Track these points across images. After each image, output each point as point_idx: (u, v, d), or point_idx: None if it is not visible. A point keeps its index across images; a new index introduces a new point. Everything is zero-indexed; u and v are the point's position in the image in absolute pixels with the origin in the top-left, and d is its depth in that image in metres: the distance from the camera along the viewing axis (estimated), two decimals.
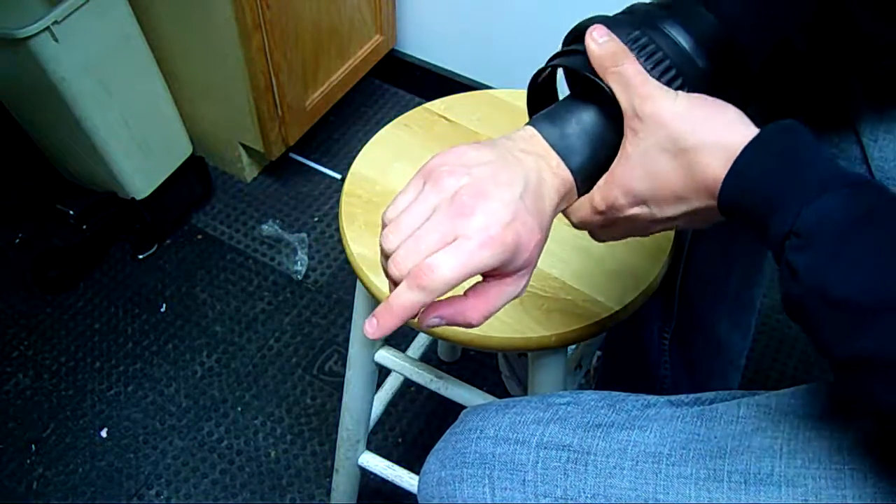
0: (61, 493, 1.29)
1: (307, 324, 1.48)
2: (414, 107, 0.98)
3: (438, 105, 0.98)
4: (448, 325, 0.53)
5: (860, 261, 0.44)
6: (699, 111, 0.52)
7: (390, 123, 0.96)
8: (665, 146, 0.52)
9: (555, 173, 0.55)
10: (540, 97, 0.61)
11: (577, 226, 0.60)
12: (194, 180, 1.63)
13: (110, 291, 1.53)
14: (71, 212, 1.48)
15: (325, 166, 1.73)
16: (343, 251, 1.54)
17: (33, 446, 1.34)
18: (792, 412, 0.56)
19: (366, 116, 1.82)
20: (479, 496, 0.60)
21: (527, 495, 0.58)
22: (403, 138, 0.94)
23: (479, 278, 0.53)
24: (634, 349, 1.04)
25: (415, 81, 1.83)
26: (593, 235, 0.61)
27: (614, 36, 0.55)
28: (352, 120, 1.81)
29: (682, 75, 0.55)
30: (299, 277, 1.54)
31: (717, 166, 0.50)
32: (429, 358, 1.42)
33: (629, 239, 0.83)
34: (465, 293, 0.53)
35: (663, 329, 1.00)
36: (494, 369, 1.41)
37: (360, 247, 0.84)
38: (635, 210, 0.55)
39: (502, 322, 0.78)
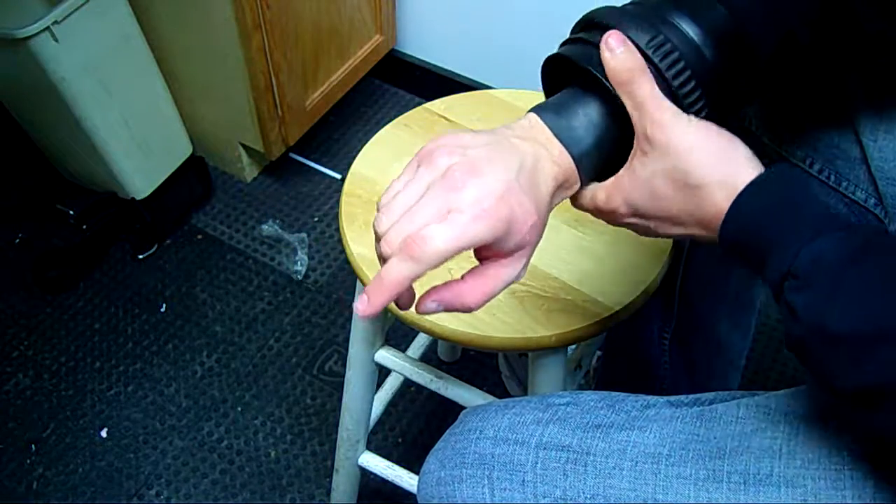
0: (61, 493, 1.29)
1: (307, 324, 1.48)
2: (414, 107, 0.98)
3: (438, 105, 0.98)
4: (446, 310, 0.52)
5: (855, 297, 0.45)
6: (709, 147, 0.52)
7: (390, 123, 0.96)
8: (671, 175, 0.53)
9: (554, 161, 0.54)
10: (556, 76, 0.60)
11: (578, 208, 0.60)
12: (194, 180, 1.63)
13: (110, 291, 1.53)
14: (71, 212, 1.48)
15: (325, 166, 1.73)
16: (343, 251, 1.54)
17: (33, 446, 1.34)
18: (791, 413, 0.56)
19: (366, 116, 1.82)
20: (479, 496, 0.60)
21: (526, 496, 0.58)
22: (403, 138, 0.94)
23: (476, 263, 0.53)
24: (634, 349, 1.04)
25: (415, 81, 1.83)
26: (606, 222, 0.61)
27: (630, 46, 0.53)
28: (352, 120, 1.81)
29: (692, 69, 0.54)
30: (299, 277, 1.54)
31: (718, 205, 0.51)
32: (429, 358, 1.42)
33: (629, 239, 0.83)
34: (464, 276, 0.53)
35: (663, 329, 1.00)
36: (494, 369, 1.41)
37: (360, 247, 0.84)
38: (634, 220, 0.57)
39: (502, 322, 0.78)
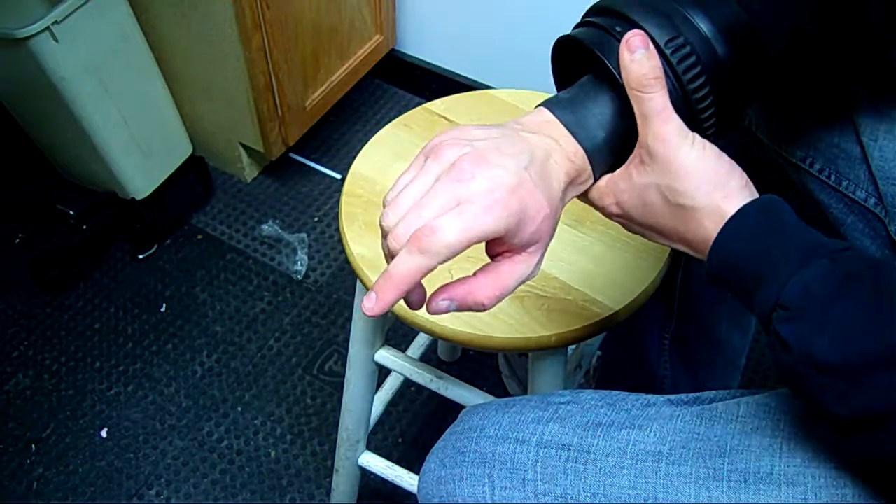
0: (61, 493, 1.29)
1: (307, 324, 1.48)
2: (414, 107, 0.98)
3: (438, 105, 0.98)
4: (458, 309, 0.50)
5: (843, 325, 0.45)
6: (706, 172, 0.52)
7: (390, 123, 0.96)
8: (665, 192, 0.52)
9: (565, 155, 0.53)
10: (566, 57, 0.59)
11: (582, 200, 0.59)
12: (194, 180, 1.63)
13: (110, 291, 1.53)
14: (71, 212, 1.48)
15: (325, 166, 1.73)
16: (343, 251, 1.54)
17: (33, 446, 1.34)
18: (792, 411, 0.56)
19: (366, 116, 1.82)
20: (479, 495, 0.60)
21: (527, 494, 0.58)
22: (403, 138, 0.94)
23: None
24: (634, 349, 1.04)
25: (415, 81, 1.83)
26: None
27: (651, 50, 0.52)
28: (352, 120, 1.81)
29: (704, 64, 0.53)
30: (299, 277, 1.54)
31: (705, 231, 0.51)
32: (429, 358, 1.42)
33: (629, 239, 0.83)
34: (475, 273, 0.51)
35: (663, 329, 1.00)
36: (494, 369, 1.41)
37: (360, 247, 0.84)
38: (622, 221, 0.57)
39: (502, 322, 0.78)
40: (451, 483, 0.61)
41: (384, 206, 0.50)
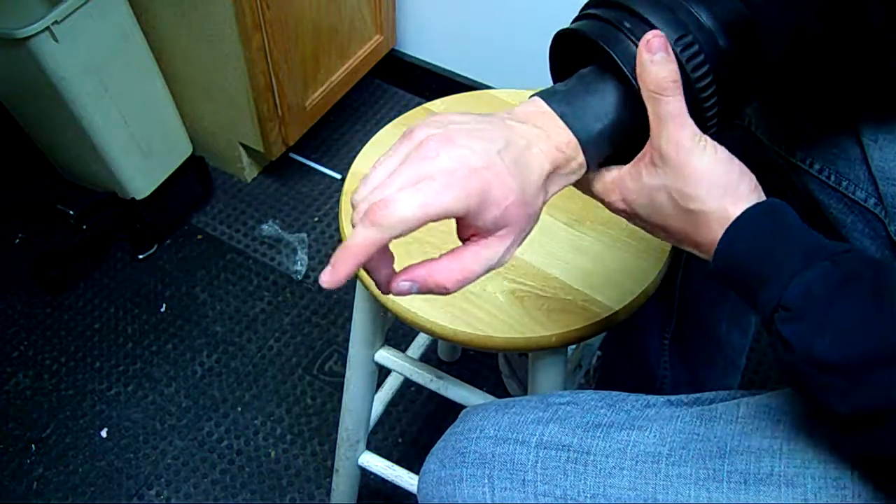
0: (61, 493, 1.29)
1: (307, 324, 1.48)
2: (414, 107, 0.98)
3: (438, 105, 0.98)
4: (420, 291, 0.50)
5: (844, 325, 0.46)
6: (717, 175, 0.52)
7: (390, 123, 0.96)
8: (675, 195, 0.53)
9: (553, 144, 0.53)
10: (564, 50, 0.59)
11: (580, 189, 0.59)
12: (194, 180, 1.63)
13: (110, 291, 1.53)
14: (71, 212, 1.48)
15: (325, 166, 1.73)
16: None
17: (33, 446, 1.34)
18: (792, 412, 0.56)
19: (366, 116, 1.82)
20: (479, 496, 0.60)
21: (526, 495, 0.58)
22: None
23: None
24: (634, 349, 1.04)
25: (415, 81, 1.83)
26: None
27: (670, 54, 0.51)
28: (352, 120, 1.81)
29: (707, 57, 0.53)
30: (299, 277, 1.54)
31: (713, 234, 0.52)
32: (429, 358, 1.42)
33: (629, 239, 0.83)
34: (440, 256, 0.51)
35: (663, 329, 1.00)
36: (494, 369, 1.41)
37: None
38: (627, 216, 0.57)
39: (502, 322, 0.78)
40: (451, 484, 0.61)
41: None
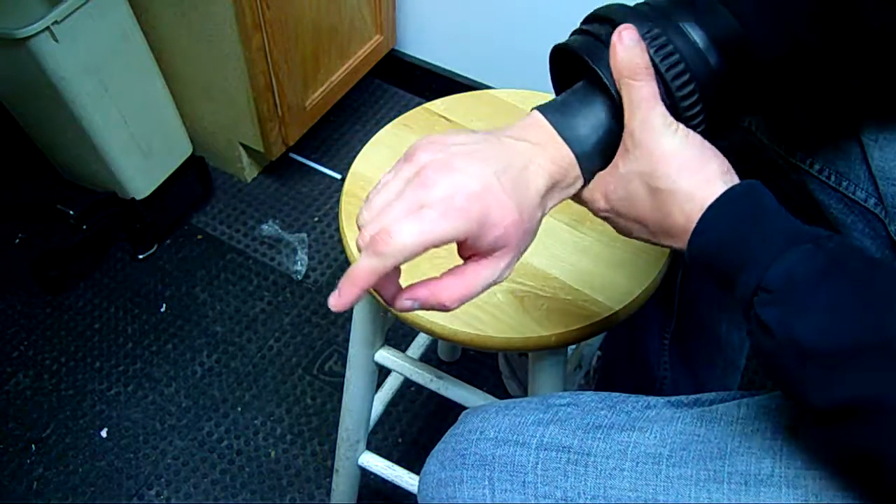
0: (61, 493, 1.29)
1: (307, 324, 1.48)
2: (414, 107, 0.98)
3: (438, 105, 0.98)
4: (423, 308, 0.52)
5: (828, 310, 0.45)
6: (686, 157, 0.52)
7: (390, 123, 0.96)
8: (646, 179, 0.53)
9: (551, 160, 0.54)
10: (563, 64, 0.60)
11: (575, 202, 0.60)
12: (194, 180, 1.63)
13: (110, 291, 1.53)
14: (71, 212, 1.48)
15: (325, 166, 1.73)
16: (343, 251, 1.54)
17: (33, 446, 1.34)
18: (792, 413, 0.56)
19: (366, 116, 1.82)
20: (479, 497, 0.60)
21: (527, 496, 0.58)
22: (403, 138, 0.94)
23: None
24: (634, 349, 1.04)
25: (415, 81, 1.83)
26: None
27: (642, 44, 0.53)
28: (352, 120, 1.81)
29: (694, 74, 0.54)
30: (299, 277, 1.54)
31: (682, 217, 0.52)
32: (429, 358, 1.42)
33: (629, 239, 0.83)
34: (441, 275, 0.52)
35: (663, 329, 1.00)
36: (494, 369, 1.41)
37: None
38: (610, 216, 0.57)
39: (502, 322, 0.78)
40: (452, 485, 0.61)
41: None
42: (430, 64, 1.79)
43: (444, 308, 0.52)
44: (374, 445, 1.31)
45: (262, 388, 1.40)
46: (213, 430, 1.35)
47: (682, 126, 0.53)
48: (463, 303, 0.52)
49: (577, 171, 0.55)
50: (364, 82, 1.76)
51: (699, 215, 0.51)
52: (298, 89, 1.54)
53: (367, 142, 0.94)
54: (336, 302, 0.49)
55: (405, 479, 1.07)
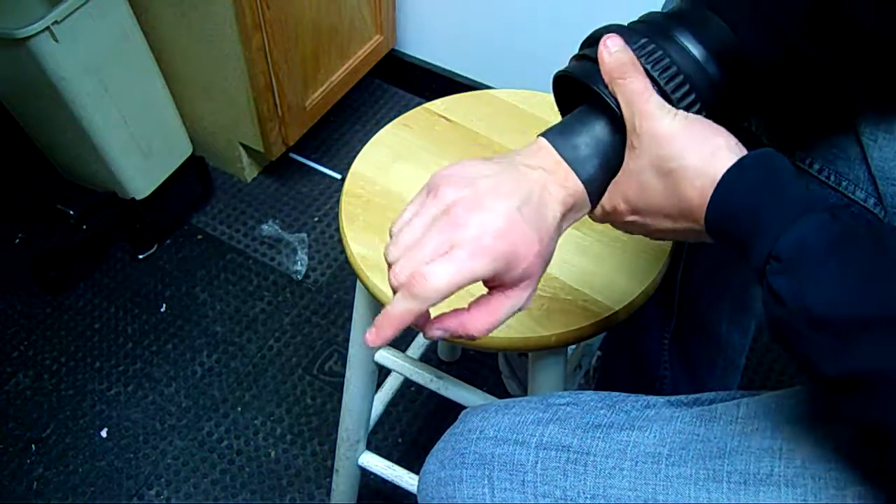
0: (61, 493, 1.29)
1: (307, 324, 1.48)
2: (414, 107, 0.98)
3: (438, 105, 0.98)
4: (452, 337, 0.54)
5: (841, 280, 0.45)
6: (690, 134, 0.53)
7: (390, 123, 0.96)
8: (655, 165, 0.54)
9: (563, 185, 0.56)
10: (567, 90, 0.61)
11: (593, 219, 0.61)
12: (194, 180, 1.63)
13: (110, 291, 1.53)
14: (71, 212, 1.48)
15: (325, 166, 1.73)
16: (343, 251, 1.54)
17: (33, 446, 1.34)
18: (792, 412, 0.56)
19: (366, 116, 1.82)
20: (479, 497, 0.60)
21: (526, 496, 0.58)
22: (403, 138, 0.94)
23: (484, 290, 0.55)
24: (634, 349, 1.04)
25: (415, 81, 1.83)
26: (615, 227, 0.62)
27: (627, 47, 0.55)
28: (352, 120, 1.81)
29: (693, 85, 0.55)
30: (299, 277, 1.54)
31: (696, 192, 0.52)
32: (429, 358, 1.42)
33: (629, 239, 0.83)
34: (469, 306, 0.54)
35: (663, 329, 1.00)
36: (494, 369, 1.41)
37: (360, 247, 0.84)
38: (633, 218, 0.57)
39: None
40: (451, 484, 0.61)
41: (389, 237, 0.54)
42: (430, 64, 1.79)
43: (471, 337, 0.54)
44: (374, 445, 1.31)
45: (262, 388, 1.40)
46: (213, 430, 1.36)
47: (681, 111, 0.54)
48: (490, 332, 0.54)
49: (585, 194, 0.57)
50: (364, 82, 1.76)
51: (711, 189, 0.51)
52: (298, 89, 1.54)
53: (367, 142, 0.94)
54: (373, 339, 0.52)
55: (405, 479, 1.07)
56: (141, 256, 1.58)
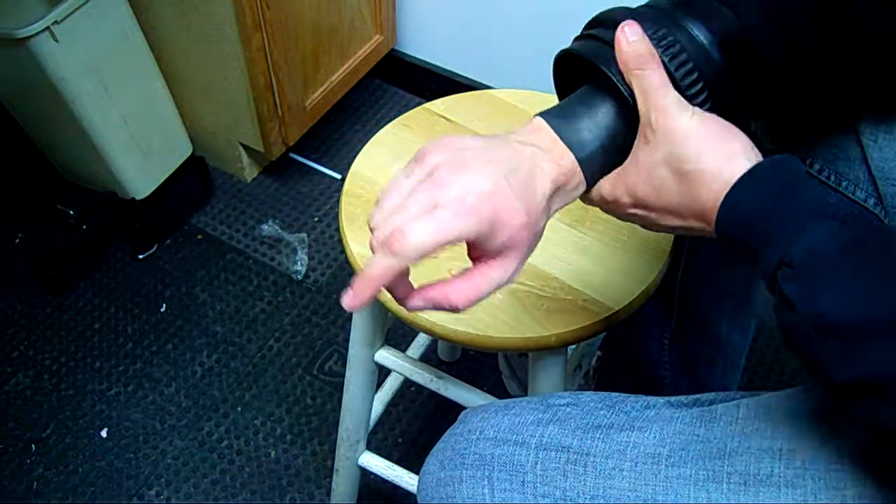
0: (61, 493, 1.29)
1: (307, 324, 1.48)
2: (414, 107, 0.98)
3: (438, 105, 0.98)
4: (434, 309, 0.53)
5: (851, 287, 0.45)
6: (707, 136, 0.52)
7: (390, 123, 0.96)
8: (670, 163, 0.53)
9: (556, 163, 0.55)
10: (566, 71, 0.61)
11: (586, 202, 0.60)
12: (194, 180, 1.63)
13: (110, 291, 1.53)
14: (71, 212, 1.48)
15: (325, 166, 1.73)
16: (343, 251, 1.54)
17: (33, 446, 1.34)
18: (792, 413, 0.56)
19: (366, 116, 1.82)
20: (479, 497, 0.60)
21: (526, 496, 0.58)
22: (403, 138, 0.94)
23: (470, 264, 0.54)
24: (634, 349, 1.04)
25: (415, 81, 1.83)
26: (607, 213, 0.61)
27: (645, 36, 0.54)
28: (352, 120, 1.81)
29: (701, 72, 0.55)
30: (299, 277, 1.54)
31: (711, 196, 0.52)
32: (429, 358, 1.42)
33: (629, 239, 0.83)
34: (452, 277, 0.53)
35: (663, 329, 1.00)
36: (494, 369, 1.41)
37: (361, 247, 0.84)
38: (636, 210, 0.57)
39: (502, 322, 0.78)
40: (451, 485, 0.61)
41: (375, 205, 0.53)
42: (430, 64, 1.79)
43: (454, 309, 0.52)
44: (374, 445, 1.31)
45: (262, 388, 1.40)
46: (213, 430, 1.36)
47: (697, 108, 0.54)
48: (472, 304, 0.53)
49: (580, 175, 0.56)
50: (364, 82, 1.76)
51: (726, 191, 0.51)
52: (298, 89, 1.54)
53: (367, 142, 0.94)
54: (350, 301, 0.50)
55: (405, 479, 1.07)
56: (141, 256, 1.58)
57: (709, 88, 0.55)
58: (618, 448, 0.58)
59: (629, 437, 0.58)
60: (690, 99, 0.55)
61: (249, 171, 1.70)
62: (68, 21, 1.27)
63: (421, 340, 1.19)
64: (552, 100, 0.64)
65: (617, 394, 0.63)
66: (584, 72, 0.58)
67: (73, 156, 1.52)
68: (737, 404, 0.59)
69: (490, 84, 1.73)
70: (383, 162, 0.92)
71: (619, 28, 0.54)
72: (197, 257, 1.58)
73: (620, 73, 0.55)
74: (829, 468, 0.53)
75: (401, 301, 0.54)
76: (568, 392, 0.65)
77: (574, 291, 0.80)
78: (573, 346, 1.07)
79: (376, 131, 0.95)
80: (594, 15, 0.59)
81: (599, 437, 0.59)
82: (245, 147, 1.64)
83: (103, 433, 1.36)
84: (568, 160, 0.55)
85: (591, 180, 0.57)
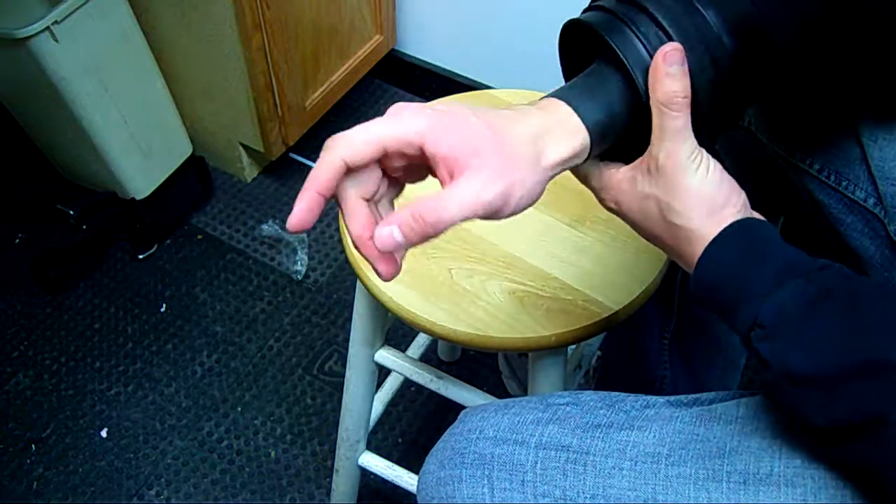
0: (61, 493, 1.29)
1: (307, 324, 1.48)
2: None
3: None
4: (406, 238, 0.49)
5: (818, 340, 0.47)
6: (704, 196, 0.53)
7: None
8: (662, 207, 0.54)
9: (566, 132, 0.54)
10: (572, 40, 0.60)
11: (578, 176, 0.60)
12: (194, 180, 1.63)
13: (110, 291, 1.53)
14: (71, 212, 1.48)
15: None
16: (343, 251, 1.54)
17: (33, 446, 1.34)
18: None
19: (366, 116, 1.82)
20: (479, 496, 0.60)
21: (526, 496, 0.58)
22: None
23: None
24: (634, 349, 1.04)
25: (415, 81, 1.83)
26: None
27: (685, 68, 0.52)
28: (352, 120, 1.81)
29: (711, 53, 0.54)
30: (299, 277, 1.54)
31: (693, 252, 0.54)
32: (429, 358, 1.42)
33: (629, 239, 0.83)
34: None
35: (663, 329, 1.00)
36: (494, 369, 1.41)
37: None
38: (617, 213, 0.59)
39: (502, 322, 0.78)
40: (451, 484, 0.61)
41: None
42: (430, 64, 1.79)
43: (425, 226, 0.48)
44: (374, 445, 1.31)
45: (262, 388, 1.40)
46: (213, 430, 1.36)
47: (704, 159, 0.54)
48: (442, 222, 0.48)
49: (586, 141, 0.54)
50: (364, 82, 1.76)
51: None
52: (298, 89, 1.54)
53: None
54: (295, 223, 0.53)
55: (405, 479, 1.07)
56: (141, 256, 1.58)
57: (716, 71, 0.54)
58: (617, 447, 0.58)
59: (629, 436, 0.58)
60: (701, 105, 0.54)
61: (249, 171, 1.70)
62: (68, 21, 1.27)
63: (421, 340, 1.19)
64: None
65: (617, 393, 0.63)
66: (590, 44, 0.57)
67: (73, 156, 1.52)
68: (736, 404, 0.59)
69: (490, 84, 1.73)
70: None
71: (660, 50, 0.52)
72: (197, 257, 1.58)
73: (628, 49, 0.53)
74: (829, 467, 0.53)
75: (384, 275, 0.53)
76: (568, 391, 0.65)
77: (574, 291, 0.80)
78: (573, 346, 1.07)
79: None
80: None
81: (599, 437, 0.59)
82: (245, 147, 1.64)
83: (103, 433, 1.36)
84: (576, 123, 0.54)
85: (595, 150, 0.55)
